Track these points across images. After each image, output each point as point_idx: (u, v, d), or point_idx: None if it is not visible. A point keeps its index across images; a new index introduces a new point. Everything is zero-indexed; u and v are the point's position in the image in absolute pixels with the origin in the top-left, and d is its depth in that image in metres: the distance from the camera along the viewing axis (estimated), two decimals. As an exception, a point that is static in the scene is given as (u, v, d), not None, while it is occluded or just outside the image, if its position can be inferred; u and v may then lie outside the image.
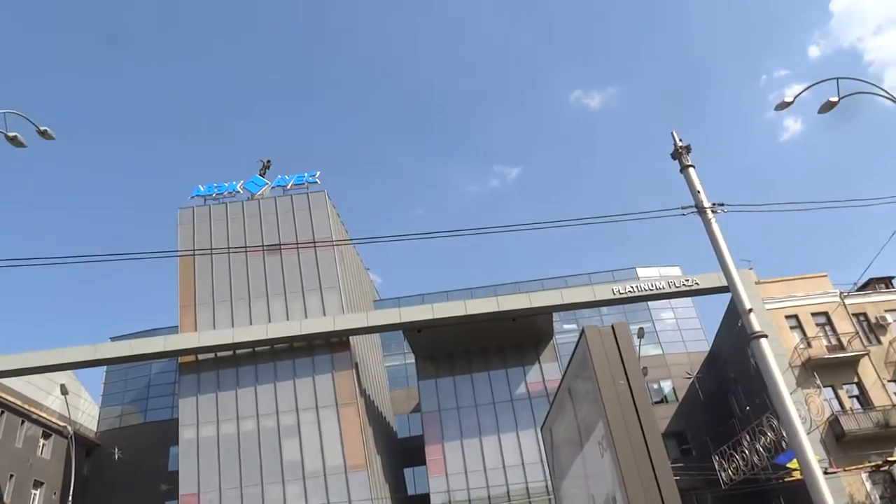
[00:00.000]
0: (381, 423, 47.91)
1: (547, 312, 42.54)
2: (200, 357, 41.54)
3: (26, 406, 42.48)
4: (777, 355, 12.69)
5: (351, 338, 42.10)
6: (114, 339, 47.68)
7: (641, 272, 54.17)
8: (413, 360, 47.27)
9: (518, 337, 44.61)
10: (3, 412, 40.10)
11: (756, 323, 12.72)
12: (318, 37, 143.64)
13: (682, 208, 14.21)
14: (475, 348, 45.13)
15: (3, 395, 40.30)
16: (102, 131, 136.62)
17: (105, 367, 51.70)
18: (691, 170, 14.95)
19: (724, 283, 14.85)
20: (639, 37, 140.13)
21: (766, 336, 12.53)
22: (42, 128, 17.85)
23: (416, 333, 42.78)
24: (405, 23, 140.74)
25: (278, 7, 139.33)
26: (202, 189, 47.46)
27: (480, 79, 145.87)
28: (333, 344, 41.71)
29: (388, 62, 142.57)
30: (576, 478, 7.19)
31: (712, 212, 13.97)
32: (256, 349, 41.56)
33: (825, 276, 40.26)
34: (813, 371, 36.00)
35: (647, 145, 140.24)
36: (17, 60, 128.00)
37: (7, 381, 40.93)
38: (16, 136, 17.01)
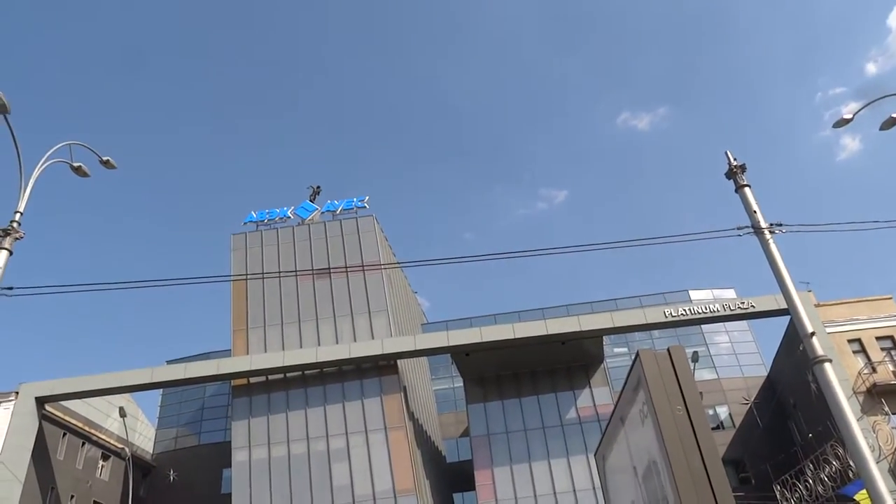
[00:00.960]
0: (430, 448, 47.66)
1: (597, 336, 41.84)
2: (252, 380, 42.17)
3: (87, 428, 43.75)
4: (840, 381, 12.15)
5: (399, 361, 42.17)
6: (170, 362, 48.85)
7: (694, 294, 52.93)
8: (461, 384, 47.03)
9: (568, 360, 44.00)
10: (65, 434, 41.38)
11: (819, 347, 12.26)
12: (367, 65, 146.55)
13: (739, 228, 13.88)
14: (524, 372, 44.65)
15: (66, 417, 41.62)
16: (158, 158, 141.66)
17: (161, 390, 52.95)
18: (747, 189, 14.64)
19: (782, 305, 14.43)
20: (689, 55, 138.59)
21: (829, 361, 12.07)
22: (104, 158, 18.55)
23: (464, 356, 42.60)
24: (452, 50, 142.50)
25: (329, 36, 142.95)
26: (254, 215, 48.59)
27: (527, 102, 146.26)
28: (382, 367, 41.84)
29: (436, 89, 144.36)
30: (633, 507, 7.00)
31: (770, 232, 13.61)
32: (306, 372, 41.98)
33: (890, 298, 38.61)
34: (879, 397, 34.38)
35: (698, 166, 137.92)
36: (77, 91, 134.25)
37: (69, 404, 42.28)
38: (80, 167, 17.69)
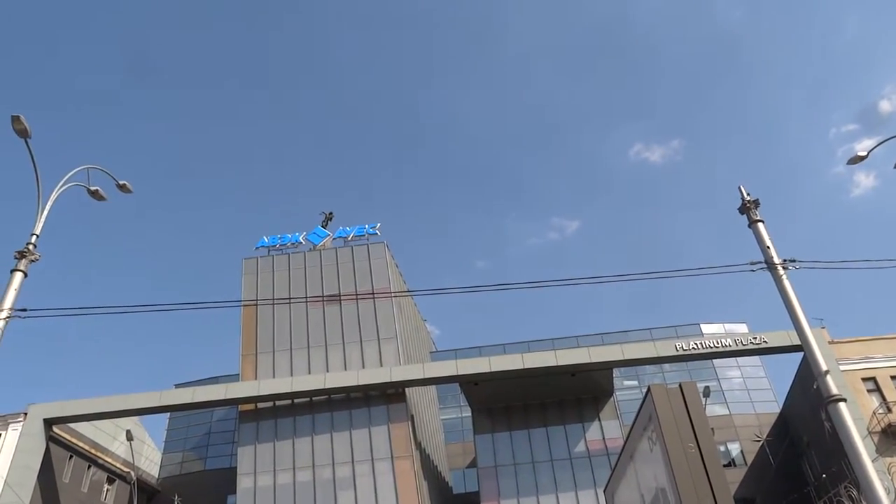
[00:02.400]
0: (437, 478, 47.11)
1: (607, 368, 41.48)
2: (259, 405, 42.02)
3: (93, 451, 43.62)
4: (855, 420, 11.97)
5: (407, 389, 41.92)
6: (178, 386, 48.80)
7: (706, 328, 52.49)
8: (469, 414, 46.63)
9: (577, 392, 43.59)
10: (71, 456, 41.26)
11: (833, 386, 12.10)
12: (381, 92, 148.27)
13: (752, 264, 13.81)
14: (533, 403, 44.24)
15: (73, 439, 41.54)
16: (172, 182, 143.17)
17: (168, 414, 52.83)
18: (760, 224, 14.59)
19: (796, 341, 14.28)
20: (703, 89, 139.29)
21: (844, 400, 11.90)
22: (121, 182, 18.77)
23: (472, 386, 42.32)
24: (466, 78, 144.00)
25: (344, 63, 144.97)
26: (266, 240, 48.88)
27: (540, 131, 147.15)
28: (390, 395, 41.59)
29: (450, 116, 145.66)
30: (643, 546, 6.90)
31: (783, 268, 13.53)
32: (314, 399, 41.79)
33: (905, 336, 38.09)
34: (895, 438, 33.74)
35: (710, 199, 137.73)
36: (93, 113, 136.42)
37: (76, 426, 42.23)
38: (97, 190, 17.91)
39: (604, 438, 42.49)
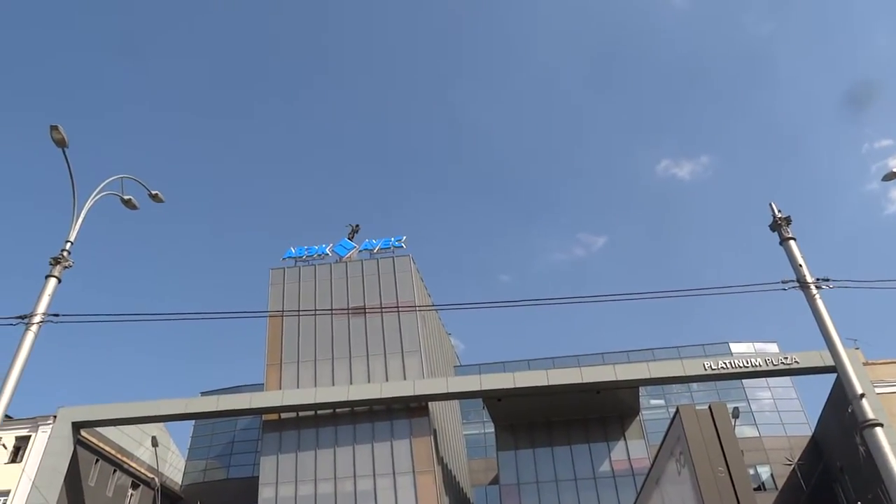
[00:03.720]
0: (458, 494, 46.74)
1: (633, 386, 40.92)
2: (283, 416, 42.17)
3: (119, 456, 44.11)
4: (892, 445, 11.60)
5: (430, 403, 41.75)
6: (204, 394, 49.22)
7: (735, 347, 51.54)
8: (492, 430, 46.28)
9: (602, 410, 43.02)
10: (97, 460, 41.77)
11: (868, 409, 11.76)
12: (407, 107, 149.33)
13: (784, 282, 13.53)
14: (557, 420, 43.76)
15: (100, 443, 42.06)
16: (202, 191, 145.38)
17: (194, 421, 53.26)
18: (792, 242, 14.32)
19: (828, 362, 13.93)
20: (732, 104, 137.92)
21: (881, 425, 11.55)
22: (153, 192, 19.05)
23: (496, 402, 42.02)
24: (492, 91, 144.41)
25: (371, 76, 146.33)
26: (293, 251, 49.29)
27: (567, 145, 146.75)
28: (412, 409, 41.46)
29: (475, 130, 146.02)
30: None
31: (816, 287, 13.23)
32: (337, 410, 41.83)
33: (943, 358, 37.00)
34: (933, 464, 32.63)
35: (740, 216, 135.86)
36: (134, 129, 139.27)
37: (103, 431, 42.78)
38: (130, 199, 18.21)
39: (629, 458, 41.85)
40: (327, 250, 49.60)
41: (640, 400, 43.62)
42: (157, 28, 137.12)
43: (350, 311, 44.83)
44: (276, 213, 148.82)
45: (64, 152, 14.78)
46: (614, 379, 39.48)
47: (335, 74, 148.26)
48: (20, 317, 12.53)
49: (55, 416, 38.25)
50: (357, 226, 52.28)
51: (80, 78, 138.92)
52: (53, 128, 14.40)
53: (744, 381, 47.21)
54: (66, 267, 13.72)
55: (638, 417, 43.95)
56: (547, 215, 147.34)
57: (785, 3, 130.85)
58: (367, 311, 44.72)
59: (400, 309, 44.45)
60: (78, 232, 14.70)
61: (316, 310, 45.68)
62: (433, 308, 50.12)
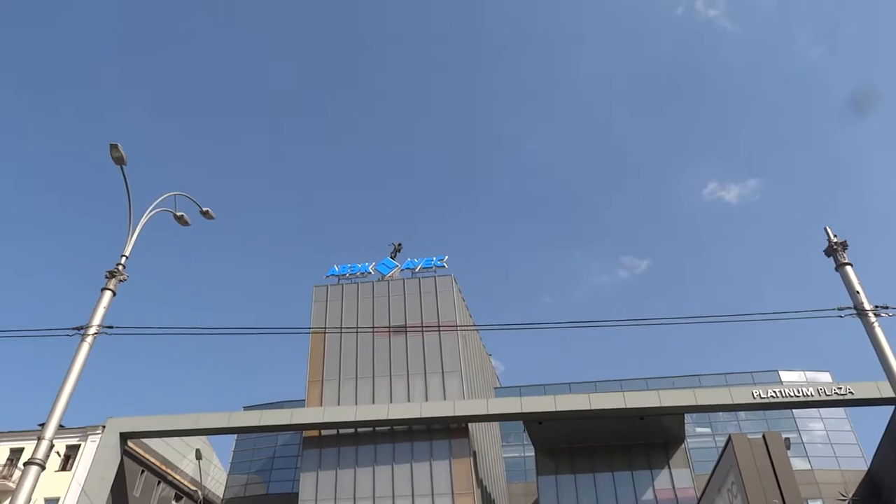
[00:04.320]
0: (497, 518, 46.12)
1: (678, 413, 39.89)
2: (323, 433, 42.35)
3: (163, 467, 44.89)
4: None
5: (470, 425, 41.44)
6: (247, 408, 49.82)
7: (785, 376, 49.92)
8: (532, 453, 45.61)
9: (646, 437, 42.02)
10: (143, 471, 42.58)
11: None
12: (452, 127, 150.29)
13: (840, 309, 13.07)
14: (599, 446, 42.90)
15: (145, 454, 42.90)
16: (251, 208, 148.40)
17: (236, 435, 53.87)
18: (849, 268, 13.86)
19: (887, 393, 13.41)
20: (782, 127, 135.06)
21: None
22: (204, 209, 19.49)
23: (536, 425, 41.43)
24: (536, 112, 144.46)
25: (414, 97, 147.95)
26: (337, 269, 49.81)
27: (611, 167, 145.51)
28: (452, 430, 41.20)
29: (519, 151, 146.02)
30: None
31: (875, 315, 12.74)
32: (377, 429, 41.84)
33: None
34: None
35: (791, 241, 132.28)
36: (180, 141, 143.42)
37: (149, 442, 43.63)
38: (182, 216, 18.66)
39: (674, 487, 40.71)
40: (370, 268, 49.99)
41: (686, 427, 42.47)
42: (209, 58, 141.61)
43: (391, 330, 44.98)
44: (321, 230, 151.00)
45: (122, 170, 15.26)
46: (659, 405, 38.58)
47: (375, 95, 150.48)
48: (76, 328, 12.91)
49: (104, 426, 39.19)
50: (400, 244, 52.66)
51: (136, 97, 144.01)
52: (113, 146, 14.89)
53: (795, 411, 45.58)
54: (120, 280, 14.10)
55: (683, 445, 42.79)
56: (591, 237, 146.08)
57: (836, 28, 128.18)
58: (408, 329, 44.81)
59: (441, 328, 44.42)
60: (133, 246, 15.13)
61: (358, 327, 45.98)
62: (474, 328, 49.94)
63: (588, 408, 38.90)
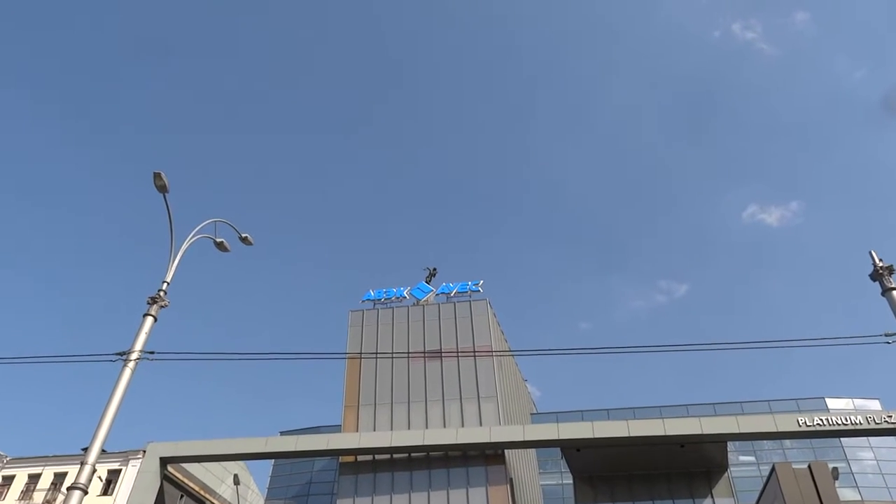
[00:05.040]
0: (535, 547, 45.28)
1: (720, 440, 38.78)
2: (359, 458, 42.27)
3: (202, 492, 45.20)
4: None
5: (506, 451, 40.96)
6: (283, 433, 50.08)
7: (832, 403, 48.39)
8: (570, 481, 44.80)
9: (687, 465, 40.95)
10: (182, 496, 42.92)
11: None
12: (486, 152, 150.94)
13: (886, 335, 12.67)
14: (639, 474, 41.95)
15: (185, 479, 43.28)
16: (287, 235, 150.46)
17: (273, 461, 54.12)
18: (895, 293, 13.45)
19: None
20: (823, 149, 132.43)
21: None
22: (243, 235, 19.86)
23: (574, 452, 40.73)
24: (570, 137, 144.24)
25: (450, 122, 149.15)
26: (372, 293, 50.13)
27: (647, 192, 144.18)
28: (488, 456, 40.76)
29: (554, 175, 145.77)
30: None
31: (925, 341, 12.31)
32: (412, 455, 41.60)
33: None
34: None
35: (834, 264, 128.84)
36: (220, 169, 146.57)
37: (188, 466, 44.02)
38: (222, 242, 19.03)
39: (717, 518, 39.52)
40: (405, 293, 50.19)
41: (729, 456, 41.28)
42: (248, 89, 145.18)
43: (426, 355, 44.94)
44: (357, 254, 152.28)
45: (165, 198, 15.66)
46: (700, 433, 37.55)
47: (410, 123, 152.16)
48: (119, 353, 13.20)
49: (144, 451, 39.68)
50: (434, 269, 52.83)
51: (178, 124, 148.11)
52: (156, 174, 15.31)
53: (843, 439, 44.06)
54: (162, 306, 14.40)
55: (726, 474, 41.57)
56: (628, 262, 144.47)
57: (879, 49, 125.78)
58: (443, 354, 44.72)
59: (476, 353, 44.22)
60: (174, 273, 15.46)
61: (393, 352, 46.05)
62: (510, 353, 49.60)
63: (627, 435, 38.10)
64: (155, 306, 14.22)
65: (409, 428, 42.30)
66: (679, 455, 39.49)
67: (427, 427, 42.11)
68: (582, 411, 52.28)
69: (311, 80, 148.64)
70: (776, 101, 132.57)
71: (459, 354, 44.42)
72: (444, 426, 42.10)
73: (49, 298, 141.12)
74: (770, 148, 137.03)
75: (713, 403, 49.94)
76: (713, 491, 40.74)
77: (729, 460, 41.66)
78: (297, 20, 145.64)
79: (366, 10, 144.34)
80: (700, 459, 40.30)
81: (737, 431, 37.54)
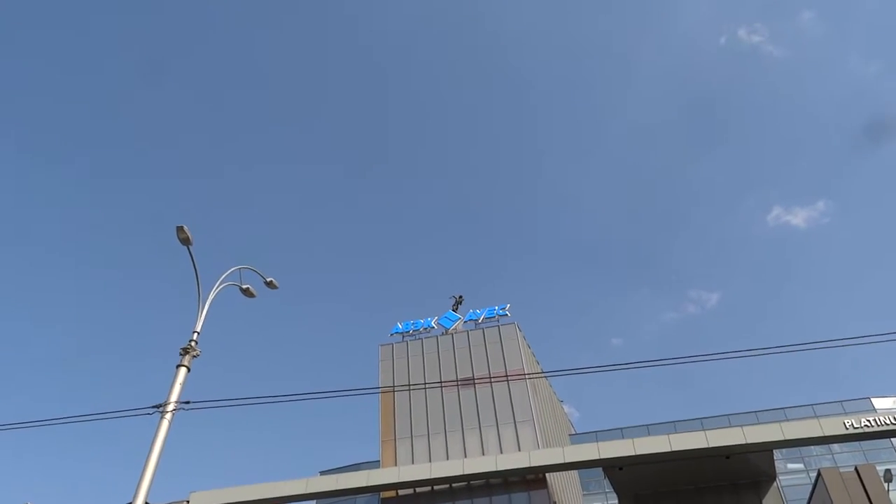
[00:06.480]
0: (585, 572, 44.38)
1: (765, 449, 37.87)
2: (401, 492, 42.00)
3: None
4: None
5: (548, 475, 40.42)
6: (322, 473, 49.98)
7: (878, 403, 47.15)
8: (615, 501, 43.99)
9: (734, 476, 40.02)
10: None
11: None
12: (501, 178, 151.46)
13: (925, 330, 12.38)
14: (685, 489, 41.04)
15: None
16: (309, 273, 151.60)
17: (314, 501, 53.87)
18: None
19: None
20: (847, 146, 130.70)
21: None
22: (268, 279, 20.14)
23: (617, 471, 40.02)
24: (583, 155, 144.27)
25: (466, 144, 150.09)
26: (400, 326, 50.23)
27: (669, 202, 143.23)
28: (530, 481, 40.26)
29: (570, 196, 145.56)
30: None
31: (964, 333, 12.01)
32: (453, 485, 41.24)
33: None
34: None
35: (867, 263, 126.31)
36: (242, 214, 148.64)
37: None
38: (248, 288, 19.32)
39: (770, 529, 38.44)
40: (433, 323, 50.22)
41: (777, 464, 40.28)
42: (267, 124, 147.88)
43: (459, 383, 44.78)
44: (380, 290, 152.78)
45: (189, 250, 15.98)
46: (744, 442, 36.72)
47: (425, 151, 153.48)
48: (155, 406, 13.40)
49: (187, 502, 39.85)
50: (461, 297, 52.84)
51: (201, 169, 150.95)
52: (179, 228, 15.66)
53: (893, 440, 42.79)
54: (194, 356, 14.63)
55: (775, 483, 40.53)
56: (656, 275, 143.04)
57: (890, 42, 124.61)
58: (476, 381, 44.53)
59: (509, 377, 43.96)
60: (203, 322, 15.71)
61: (426, 383, 45.96)
62: (543, 375, 49.18)
63: (669, 450, 37.38)
64: (187, 356, 14.45)
65: (447, 458, 42.02)
66: (725, 467, 38.64)
67: (466, 456, 41.78)
68: (622, 428, 51.53)
69: (321, 114, 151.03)
70: (789, 101, 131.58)
71: (492, 380, 44.18)
72: (483, 454, 41.74)
73: (82, 353, 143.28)
74: (789, 148, 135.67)
75: (755, 411, 48.93)
76: (763, 501, 39.70)
77: (777, 468, 40.65)
78: (310, 50, 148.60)
79: (379, 39, 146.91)
80: (747, 470, 39.39)
81: (781, 438, 36.66)
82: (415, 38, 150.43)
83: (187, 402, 13.57)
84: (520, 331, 48.58)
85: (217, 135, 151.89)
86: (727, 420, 48.37)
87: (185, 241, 15.81)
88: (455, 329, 49.57)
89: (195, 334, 15.13)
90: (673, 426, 48.76)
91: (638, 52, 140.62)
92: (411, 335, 49.84)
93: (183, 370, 14.12)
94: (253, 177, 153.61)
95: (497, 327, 48.33)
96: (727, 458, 37.72)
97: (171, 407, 13.19)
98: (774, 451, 39.16)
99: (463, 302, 52.53)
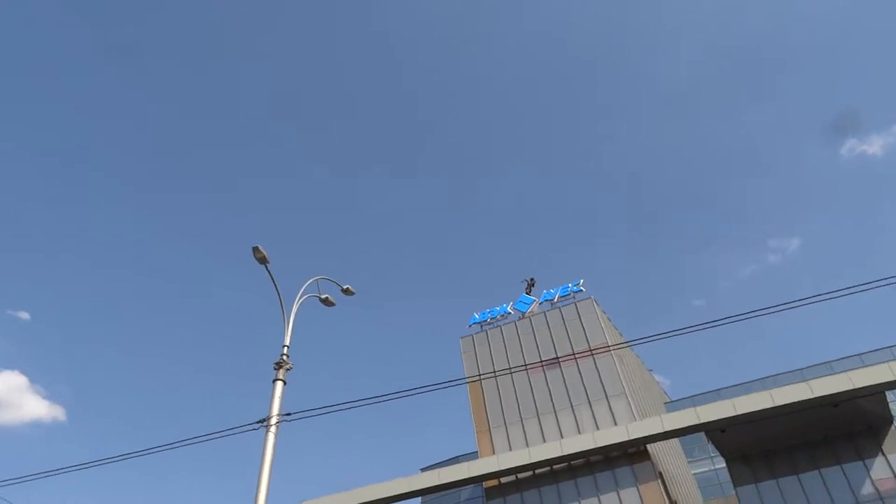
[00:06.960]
0: (701, 539, 43.39)
1: (877, 392, 36.04)
2: (502, 480, 42.10)
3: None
4: None
5: (649, 446, 39.69)
6: (423, 469, 50.65)
7: None
8: (723, 464, 42.83)
9: (846, 425, 38.23)
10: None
11: None
12: (553, 153, 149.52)
13: None
14: (796, 444, 39.49)
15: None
16: (380, 277, 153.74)
17: (420, 498, 54.71)
18: None
19: None
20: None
21: None
22: (345, 286, 20.46)
23: (719, 434, 38.87)
24: (642, 112, 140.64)
25: (512, 123, 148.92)
26: (477, 316, 50.29)
27: (731, 152, 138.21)
28: (631, 454, 39.64)
29: (629, 163, 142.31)
30: None
31: None
32: (554, 467, 41.04)
33: None
34: None
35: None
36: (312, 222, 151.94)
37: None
38: (327, 297, 19.68)
39: (895, 474, 36.57)
40: (509, 308, 50.08)
41: (892, 406, 38.29)
42: (314, 133, 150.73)
43: (544, 364, 44.49)
44: (451, 283, 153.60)
45: (267, 268, 16.37)
46: (852, 388, 35.09)
47: (484, 131, 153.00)
48: (259, 421, 13.80)
49: (298, 510, 41.15)
50: (532, 279, 52.48)
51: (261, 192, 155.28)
52: (255, 249, 16.07)
53: None
54: (287, 369, 14.99)
55: (893, 426, 38.53)
56: (729, 230, 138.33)
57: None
58: (561, 360, 44.14)
59: (594, 352, 43.36)
60: (290, 335, 16.09)
61: (511, 368, 45.86)
62: (627, 344, 48.28)
63: (772, 405, 36.04)
64: (281, 370, 14.81)
65: (544, 441, 41.85)
66: (834, 416, 36.97)
67: (562, 437, 41.51)
68: (718, 390, 50.13)
69: (388, 110, 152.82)
70: (839, 33, 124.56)
71: (577, 357, 43.69)
72: (579, 432, 41.37)
73: (189, 377, 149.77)
74: (854, 77, 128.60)
75: (860, 354, 46.66)
76: (883, 447, 37.72)
77: (893, 411, 38.65)
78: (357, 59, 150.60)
79: (432, 47, 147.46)
80: (859, 416, 37.58)
81: (893, 379, 34.86)
82: (503, 34, 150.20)
83: (288, 414, 13.91)
84: (597, 304, 47.87)
85: (272, 138, 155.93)
86: (828, 367, 46.31)
87: (262, 261, 16.19)
88: (532, 312, 49.26)
89: (285, 348, 15.49)
90: (772, 381, 47.08)
91: (677, 14, 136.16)
92: (489, 324, 49.86)
93: (280, 384, 14.48)
94: (314, 184, 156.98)
95: (574, 304, 47.78)
96: (835, 406, 36.10)
97: (273, 420, 13.55)
98: (887, 392, 37.24)
99: (535, 284, 52.20)
